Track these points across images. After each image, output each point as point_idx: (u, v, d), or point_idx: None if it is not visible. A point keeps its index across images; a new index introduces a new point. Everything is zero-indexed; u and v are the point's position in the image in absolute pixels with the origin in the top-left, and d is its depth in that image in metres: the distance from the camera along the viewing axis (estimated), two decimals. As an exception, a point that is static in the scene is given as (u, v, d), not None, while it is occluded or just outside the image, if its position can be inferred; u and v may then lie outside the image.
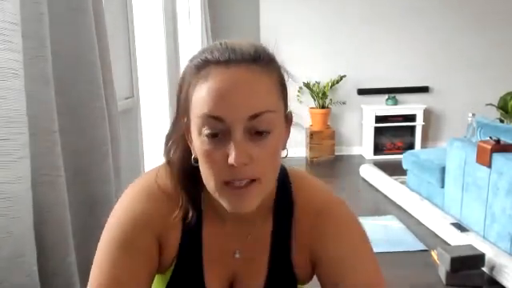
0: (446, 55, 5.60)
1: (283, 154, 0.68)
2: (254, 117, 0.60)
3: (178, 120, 0.70)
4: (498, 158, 2.76)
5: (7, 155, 0.71)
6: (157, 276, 0.75)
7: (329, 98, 5.40)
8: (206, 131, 0.61)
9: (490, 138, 2.90)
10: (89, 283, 0.69)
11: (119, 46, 2.32)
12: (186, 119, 0.67)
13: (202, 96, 0.61)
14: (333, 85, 5.38)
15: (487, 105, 5.17)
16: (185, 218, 0.71)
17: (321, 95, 5.31)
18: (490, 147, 2.82)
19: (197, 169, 0.67)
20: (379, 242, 2.99)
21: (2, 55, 0.70)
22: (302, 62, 5.26)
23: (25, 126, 0.76)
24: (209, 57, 0.62)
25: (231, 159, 0.59)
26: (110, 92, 1.22)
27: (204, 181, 0.65)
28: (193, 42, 4.86)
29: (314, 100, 5.36)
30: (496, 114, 5.14)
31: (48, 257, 0.88)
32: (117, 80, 1.30)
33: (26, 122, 0.76)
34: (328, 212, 0.75)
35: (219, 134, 0.61)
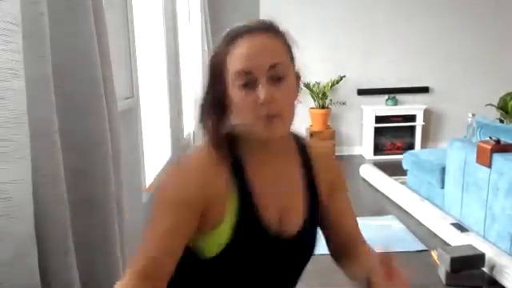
0: (446, 55, 5.60)
1: (296, 103, 0.89)
2: (273, 66, 0.82)
3: (209, 91, 0.90)
4: (498, 158, 2.76)
5: (7, 155, 0.71)
6: (213, 232, 0.87)
7: (329, 98, 5.40)
8: (240, 82, 0.82)
9: (490, 138, 2.90)
10: (143, 238, 0.81)
11: (119, 46, 2.32)
12: (222, 82, 0.86)
13: (235, 58, 0.83)
14: (333, 85, 5.39)
15: (487, 105, 5.17)
16: (232, 173, 0.87)
17: (321, 95, 5.32)
18: (489, 147, 2.82)
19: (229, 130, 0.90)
20: (379, 242, 2.98)
21: (2, 55, 0.70)
22: (302, 62, 5.23)
23: (25, 126, 0.76)
24: (237, 32, 0.85)
25: (260, 99, 0.80)
26: (110, 92, 1.22)
27: (241, 121, 0.86)
28: (193, 43, 4.86)
29: (314, 100, 5.36)
30: (496, 114, 5.15)
31: (48, 257, 0.88)
32: (117, 80, 1.30)
33: (26, 122, 0.76)
34: (331, 157, 1.07)
35: (249, 84, 0.82)
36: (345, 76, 5.40)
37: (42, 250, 0.84)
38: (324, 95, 5.32)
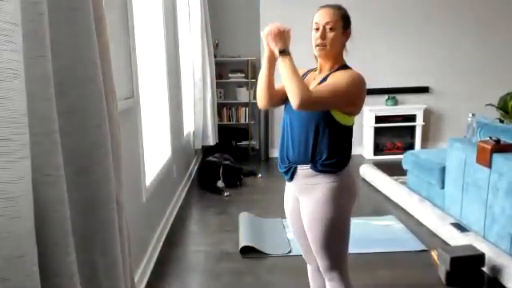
0: (446, 56, 5.60)
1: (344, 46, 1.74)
2: (327, 23, 1.63)
3: None
4: (498, 158, 2.76)
5: (8, 155, 0.71)
6: None
7: (329, 98, 5.39)
8: (313, 27, 1.67)
9: (490, 138, 2.90)
10: None
11: (119, 46, 2.32)
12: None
13: (314, 17, 1.67)
14: (333, 85, 5.38)
15: (487, 105, 5.17)
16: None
17: (321, 95, 5.30)
18: (489, 147, 2.82)
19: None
20: (379, 242, 3.00)
21: (2, 55, 0.70)
22: (302, 62, 5.24)
23: (25, 125, 0.76)
24: (319, 7, 1.67)
25: (317, 37, 1.65)
26: (110, 92, 1.22)
27: (313, 45, 1.71)
28: (193, 42, 4.86)
29: (314, 100, 5.35)
30: (496, 114, 5.15)
31: (48, 257, 0.88)
32: (117, 80, 1.31)
33: (27, 121, 0.76)
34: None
35: (317, 29, 1.65)
36: (345, 76, 5.40)
37: (42, 250, 0.84)
38: (324, 95, 5.31)
